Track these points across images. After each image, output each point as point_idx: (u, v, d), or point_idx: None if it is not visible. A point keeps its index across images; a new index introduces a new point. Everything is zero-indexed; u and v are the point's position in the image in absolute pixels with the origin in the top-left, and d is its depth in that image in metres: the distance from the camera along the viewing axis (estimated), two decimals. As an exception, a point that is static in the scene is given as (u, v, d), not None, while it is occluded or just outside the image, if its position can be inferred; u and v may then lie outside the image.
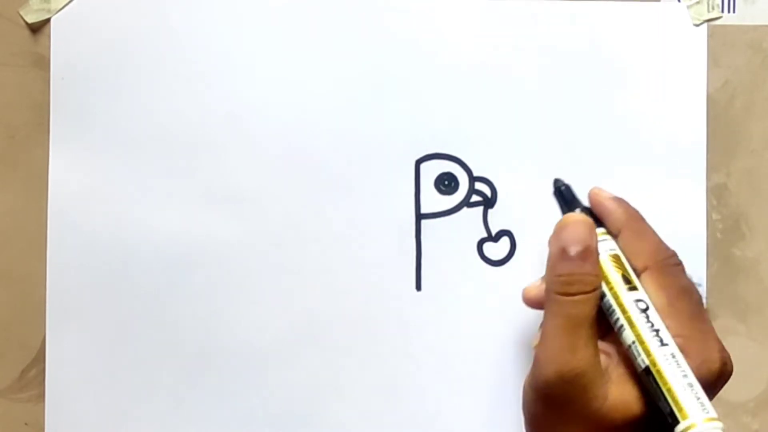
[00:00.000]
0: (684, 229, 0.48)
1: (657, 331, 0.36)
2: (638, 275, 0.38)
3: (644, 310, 0.36)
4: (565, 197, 0.41)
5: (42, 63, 0.47)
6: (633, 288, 0.37)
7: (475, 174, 0.48)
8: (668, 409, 0.34)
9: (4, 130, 0.47)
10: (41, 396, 0.47)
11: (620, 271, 0.38)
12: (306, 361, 0.47)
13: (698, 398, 0.34)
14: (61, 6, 0.47)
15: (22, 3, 0.47)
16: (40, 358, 0.47)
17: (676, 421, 0.34)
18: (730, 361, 0.38)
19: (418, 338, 0.47)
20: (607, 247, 0.39)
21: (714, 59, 0.48)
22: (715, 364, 0.36)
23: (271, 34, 0.47)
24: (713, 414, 0.34)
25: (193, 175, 0.47)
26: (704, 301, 0.40)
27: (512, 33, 0.48)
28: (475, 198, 0.48)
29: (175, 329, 0.47)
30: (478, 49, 0.48)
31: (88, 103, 0.47)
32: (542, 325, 0.38)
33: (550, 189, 0.47)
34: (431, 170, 0.48)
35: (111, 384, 0.47)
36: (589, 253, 0.38)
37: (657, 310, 0.37)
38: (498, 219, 0.48)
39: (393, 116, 0.48)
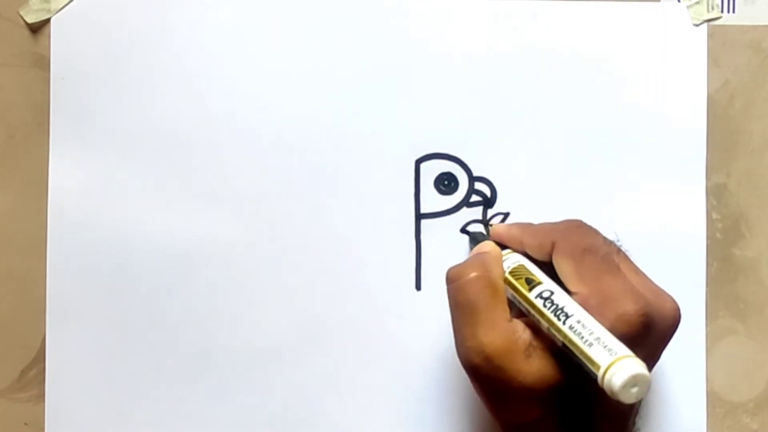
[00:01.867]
0: (684, 229, 0.48)
1: (562, 309, 0.37)
2: (553, 259, 0.40)
3: (548, 297, 0.38)
4: (476, 239, 0.46)
5: (42, 63, 0.47)
6: (536, 284, 0.39)
7: (475, 174, 0.48)
8: (589, 370, 0.35)
9: (4, 130, 0.47)
10: (41, 396, 0.47)
11: (523, 276, 0.40)
12: (306, 361, 0.47)
13: (605, 346, 0.35)
14: (61, 6, 0.47)
15: (22, 3, 0.47)
16: (40, 358, 0.47)
17: (595, 376, 0.35)
18: (664, 305, 0.39)
19: (417, 338, 0.47)
20: (511, 261, 0.42)
21: (714, 59, 0.48)
22: (631, 317, 0.37)
23: (271, 34, 0.47)
24: (621, 353, 0.34)
25: (193, 175, 0.47)
26: (623, 250, 0.41)
27: (512, 33, 0.48)
28: (475, 198, 0.48)
29: (175, 329, 0.47)
30: (478, 49, 0.48)
31: (88, 103, 0.47)
32: None
33: (550, 189, 0.48)
34: (431, 170, 0.48)
35: (111, 384, 0.47)
36: (479, 253, 0.42)
37: (568, 277, 0.39)
38: (498, 219, 0.48)
39: (393, 116, 0.48)
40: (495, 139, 0.48)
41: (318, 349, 0.47)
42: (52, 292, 0.47)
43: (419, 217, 0.48)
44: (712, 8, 0.48)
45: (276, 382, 0.47)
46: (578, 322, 0.36)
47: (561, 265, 0.39)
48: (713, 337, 0.48)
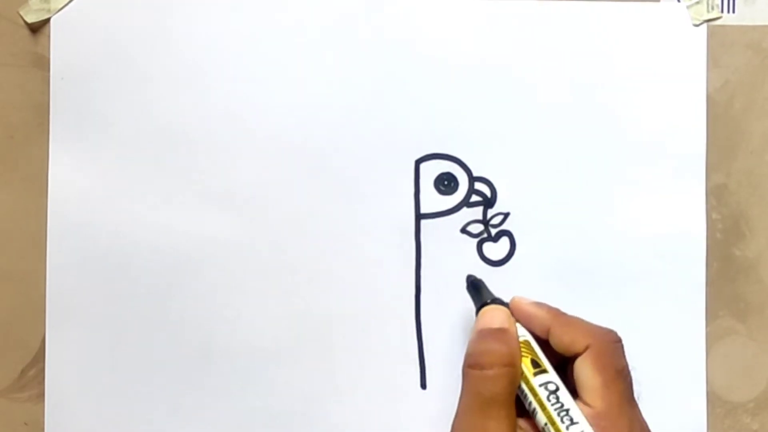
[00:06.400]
0: (684, 229, 0.48)
1: (567, 411, 0.37)
2: (576, 359, 0.39)
3: (554, 392, 0.37)
4: (479, 290, 0.43)
5: (42, 63, 0.47)
6: (542, 371, 0.38)
7: (475, 174, 0.48)
8: None
9: (4, 130, 0.47)
10: (41, 396, 0.47)
11: (529, 356, 0.39)
12: (306, 361, 0.47)
13: None
14: (61, 6, 0.47)
15: (22, 3, 0.47)
16: (39, 357, 0.47)
17: None
18: None
19: (417, 338, 0.47)
20: (518, 334, 0.40)
21: (714, 59, 0.48)
22: None
23: (271, 34, 0.47)
24: None
25: (194, 175, 0.47)
26: (634, 386, 0.40)
27: (512, 33, 0.48)
28: (475, 198, 0.48)
29: (175, 329, 0.47)
30: (478, 49, 0.48)
31: (88, 103, 0.47)
32: (458, 402, 0.39)
33: (550, 189, 0.47)
34: (431, 170, 0.48)
35: (111, 384, 0.47)
36: (503, 332, 0.40)
37: (589, 388, 0.38)
38: (498, 219, 0.48)
39: (393, 116, 0.48)
40: (495, 139, 0.48)
41: (318, 349, 0.47)
42: (52, 292, 0.47)
43: (419, 217, 0.48)
44: (712, 8, 0.48)
45: (276, 382, 0.47)
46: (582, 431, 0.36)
47: (586, 373, 0.38)
48: (713, 337, 0.48)
